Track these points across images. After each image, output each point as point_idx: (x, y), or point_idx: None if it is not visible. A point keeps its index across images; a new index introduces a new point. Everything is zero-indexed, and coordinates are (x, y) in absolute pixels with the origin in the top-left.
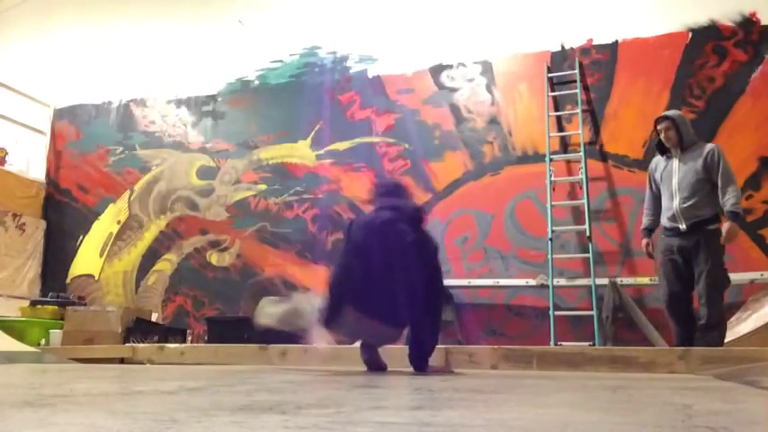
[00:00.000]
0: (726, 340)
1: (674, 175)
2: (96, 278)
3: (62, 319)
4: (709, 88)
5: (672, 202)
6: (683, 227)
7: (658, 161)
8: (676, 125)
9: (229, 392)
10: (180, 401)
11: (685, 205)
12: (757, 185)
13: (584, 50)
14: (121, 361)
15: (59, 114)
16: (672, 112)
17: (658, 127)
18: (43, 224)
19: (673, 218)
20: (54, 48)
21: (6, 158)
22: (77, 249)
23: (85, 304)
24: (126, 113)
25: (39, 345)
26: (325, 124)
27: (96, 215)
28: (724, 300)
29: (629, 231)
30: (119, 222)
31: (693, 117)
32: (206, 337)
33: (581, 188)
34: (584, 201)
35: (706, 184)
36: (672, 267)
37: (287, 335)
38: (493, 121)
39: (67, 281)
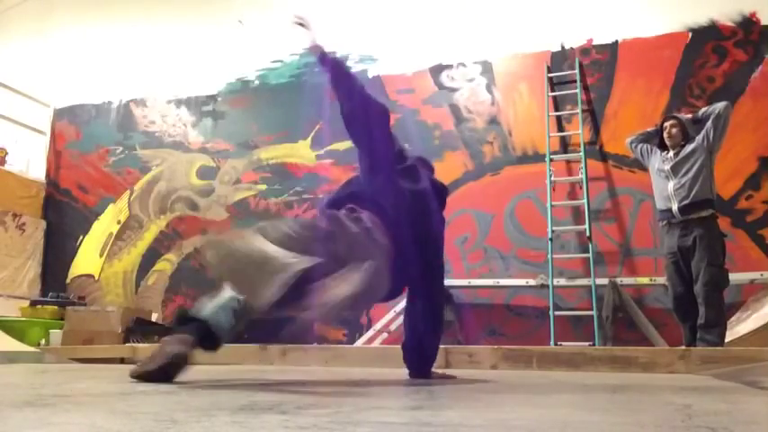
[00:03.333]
0: (726, 340)
1: (671, 160)
2: (96, 278)
3: (62, 319)
4: (709, 88)
5: (667, 183)
6: (675, 208)
7: (656, 151)
8: (682, 124)
9: (229, 392)
10: (180, 401)
11: (679, 185)
12: (757, 185)
13: (585, 50)
14: (121, 361)
15: (59, 114)
16: (686, 117)
17: (665, 124)
18: (43, 224)
19: (667, 198)
20: (54, 48)
21: (6, 158)
22: (77, 249)
23: (85, 304)
24: (126, 113)
25: (39, 345)
26: (325, 124)
27: (96, 215)
28: (723, 299)
29: (629, 231)
30: (119, 222)
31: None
32: None
33: (581, 188)
34: (585, 201)
35: (699, 166)
36: (675, 269)
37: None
38: (493, 121)
39: (67, 281)
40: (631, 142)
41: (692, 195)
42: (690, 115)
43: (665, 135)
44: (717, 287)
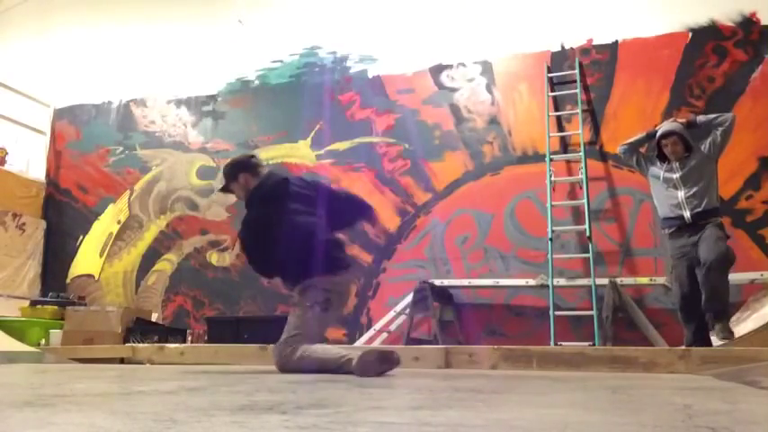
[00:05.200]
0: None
1: (678, 170)
2: (96, 278)
3: (62, 319)
4: (710, 88)
5: (676, 192)
6: (687, 215)
7: (655, 160)
8: (683, 138)
9: (229, 392)
10: (180, 401)
11: (690, 194)
12: (757, 185)
13: (585, 50)
14: (121, 361)
15: (59, 114)
16: (674, 126)
17: (663, 141)
18: (43, 224)
19: (677, 206)
20: (54, 48)
21: (6, 158)
22: (77, 249)
23: (85, 304)
24: (126, 113)
25: (39, 345)
26: (326, 124)
27: (96, 215)
28: (728, 281)
29: (629, 231)
30: (119, 222)
31: None
32: (206, 337)
33: (581, 188)
34: (585, 201)
35: (708, 175)
36: (683, 268)
37: None
38: (493, 121)
39: (67, 281)
40: (624, 152)
41: (703, 204)
42: (683, 120)
43: (668, 152)
44: (725, 258)
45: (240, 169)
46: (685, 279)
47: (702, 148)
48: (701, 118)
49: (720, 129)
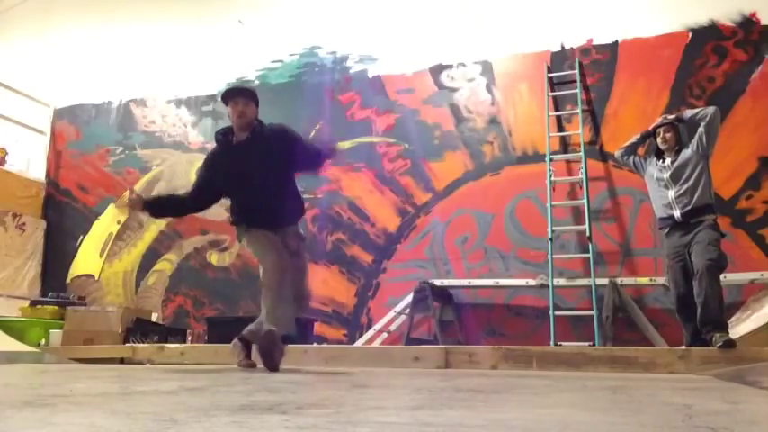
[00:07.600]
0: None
1: (668, 169)
2: (96, 278)
3: (62, 319)
4: (709, 88)
5: (667, 192)
6: (677, 214)
7: (651, 159)
8: (675, 128)
9: (229, 392)
10: (180, 401)
11: (680, 192)
12: (757, 185)
13: (584, 50)
14: (121, 361)
15: (59, 114)
16: (670, 117)
17: (658, 129)
18: (43, 224)
19: (668, 206)
20: (54, 48)
21: (6, 158)
22: (77, 249)
23: (85, 304)
24: (126, 113)
25: (39, 345)
26: (325, 124)
27: (96, 215)
28: (721, 288)
29: (629, 231)
30: (119, 222)
31: None
32: (206, 337)
33: (581, 188)
34: (584, 201)
35: (698, 172)
36: (678, 269)
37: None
38: (493, 121)
39: (67, 281)
40: (622, 155)
41: (693, 201)
42: (673, 116)
43: (659, 140)
44: (718, 264)
45: (257, 101)
46: (681, 279)
47: (691, 145)
48: (687, 113)
49: (703, 123)
